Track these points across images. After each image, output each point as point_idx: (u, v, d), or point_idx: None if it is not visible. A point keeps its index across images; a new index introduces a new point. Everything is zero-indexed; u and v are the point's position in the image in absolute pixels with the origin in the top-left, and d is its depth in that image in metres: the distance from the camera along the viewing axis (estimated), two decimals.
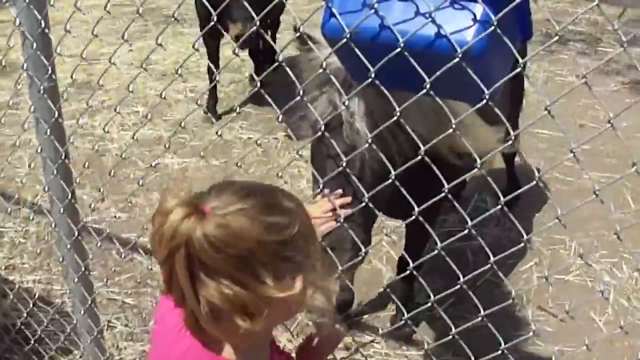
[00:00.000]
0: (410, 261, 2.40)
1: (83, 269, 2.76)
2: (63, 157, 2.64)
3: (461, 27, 1.83)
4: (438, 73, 1.82)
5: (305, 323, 3.99)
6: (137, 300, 4.26)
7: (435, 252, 2.11)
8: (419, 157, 2.00)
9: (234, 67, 7.71)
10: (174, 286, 1.52)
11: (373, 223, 3.86)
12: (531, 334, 2.35)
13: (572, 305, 4.15)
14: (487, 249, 2.00)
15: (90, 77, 7.34)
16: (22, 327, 3.50)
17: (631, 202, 5.16)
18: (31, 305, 3.37)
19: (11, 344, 3.63)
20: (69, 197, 2.68)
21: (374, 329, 4.01)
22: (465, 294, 2.25)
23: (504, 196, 1.99)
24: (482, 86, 1.81)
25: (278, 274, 1.53)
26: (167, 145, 5.77)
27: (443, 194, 2.01)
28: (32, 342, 3.44)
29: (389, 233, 2.32)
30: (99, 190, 4.93)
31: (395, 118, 2.02)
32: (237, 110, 6.74)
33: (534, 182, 1.86)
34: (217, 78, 6.41)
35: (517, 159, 5.32)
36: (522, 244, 1.95)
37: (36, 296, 3.60)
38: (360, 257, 2.50)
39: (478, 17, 1.82)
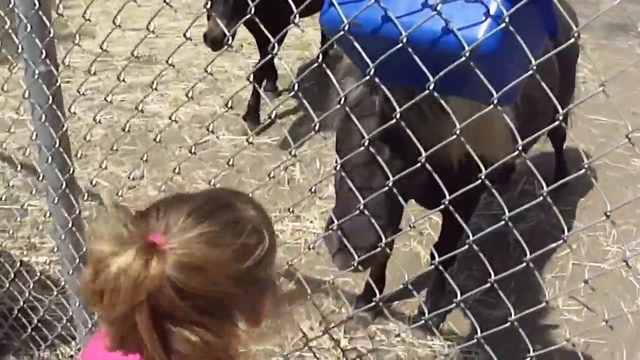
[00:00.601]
0: (436, 255, 2.24)
1: (77, 260, 2.60)
2: (58, 144, 2.47)
3: (472, 22, 1.61)
4: (442, 72, 1.61)
5: (330, 310, 3.82)
6: None
7: (467, 246, 1.90)
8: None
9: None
10: (129, 342, 1.25)
11: (400, 214, 3.68)
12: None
13: (601, 295, 3.91)
14: (524, 245, 1.79)
15: (152, 50, 7.05)
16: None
17: None
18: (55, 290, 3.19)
19: (17, 328, 3.50)
20: (63, 186, 2.52)
21: (402, 317, 3.81)
22: (497, 281, 1.95)
23: (553, 179, 1.78)
24: (490, 88, 1.59)
25: (248, 306, 1.32)
26: (207, 126, 5.31)
27: (478, 182, 1.73)
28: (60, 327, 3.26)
29: (413, 223, 2.03)
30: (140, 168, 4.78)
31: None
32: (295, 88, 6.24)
33: (583, 171, 1.57)
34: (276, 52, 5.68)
35: (566, 143, 5.04)
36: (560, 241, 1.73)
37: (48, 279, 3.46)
38: (383, 252, 2.24)
39: (492, 12, 1.59)
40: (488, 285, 1.90)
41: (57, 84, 2.42)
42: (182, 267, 1.18)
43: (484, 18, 1.60)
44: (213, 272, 1.21)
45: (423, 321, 2.21)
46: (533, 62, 1.50)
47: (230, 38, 2.19)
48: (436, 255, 2.19)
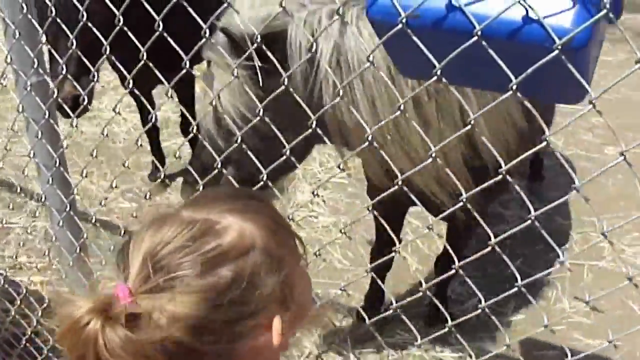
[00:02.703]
0: (456, 261, 1.81)
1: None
2: (58, 163, 2.10)
3: (554, 9, 1.28)
4: (529, 70, 1.28)
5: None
6: None
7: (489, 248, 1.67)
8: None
9: None
10: None
11: (403, 215, 3.39)
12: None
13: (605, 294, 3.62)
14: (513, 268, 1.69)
15: None
16: (33, 335, 2.96)
17: None
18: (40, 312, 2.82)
19: (23, 354, 3.09)
20: (67, 208, 2.14)
21: (405, 328, 3.49)
22: (500, 287, 1.89)
23: (530, 175, 1.51)
24: (586, 85, 1.29)
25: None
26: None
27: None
28: (45, 352, 2.89)
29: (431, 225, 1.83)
30: (108, 180, 4.40)
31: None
32: None
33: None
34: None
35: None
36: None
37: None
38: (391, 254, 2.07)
39: None
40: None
41: (55, 96, 2.05)
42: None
43: (570, 4, 1.27)
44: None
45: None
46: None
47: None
48: (456, 261, 1.83)
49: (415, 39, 1.34)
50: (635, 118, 5.12)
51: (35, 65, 2.00)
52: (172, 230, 1.08)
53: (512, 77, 1.31)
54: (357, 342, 3.43)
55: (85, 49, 2.05)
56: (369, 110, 2.18)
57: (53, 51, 2.24)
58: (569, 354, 1.63)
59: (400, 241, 3.44)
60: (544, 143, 1.45)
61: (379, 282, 2.82)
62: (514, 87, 1.32)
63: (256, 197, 1.30)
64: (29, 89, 2.04)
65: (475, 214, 1.69)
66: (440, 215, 1.94)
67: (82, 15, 1.80)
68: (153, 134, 4.63)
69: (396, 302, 2.22)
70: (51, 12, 1.93)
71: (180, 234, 1.07)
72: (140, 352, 1.00)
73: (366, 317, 2.28)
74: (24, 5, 1.94)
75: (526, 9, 1.27)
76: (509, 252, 3.84)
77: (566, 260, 3.88)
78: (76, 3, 1.85)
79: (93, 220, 2.15)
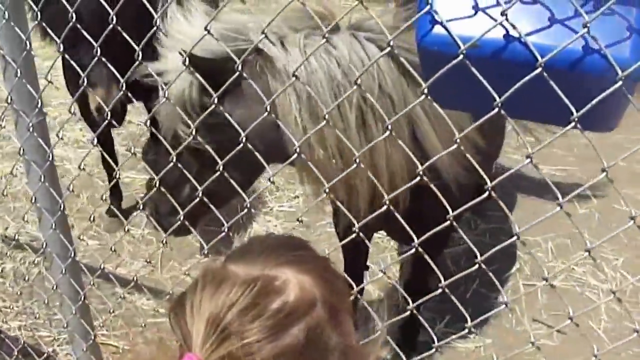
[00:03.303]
0: (410, 300, 1.89)
1: (92, 338, 2.10)
2: (62, 207, 1.98)
3: (612, 39, 1.30)
4: (591, 104, 1.29)
5: None
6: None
7: (440, 290, 1.75)
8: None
9: None
10: None
11: (370, 237, 3.36)
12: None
13: (566, 315, 3.71)
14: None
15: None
16: None
17: (593, 197, 4.74)
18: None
19: None
20: (72, 255, 2.02)
21: None
22: (459, 311, 1.88)
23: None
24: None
25: None
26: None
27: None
28: None
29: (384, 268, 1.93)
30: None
31: None
32: None
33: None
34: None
35: None
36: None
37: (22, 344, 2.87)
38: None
39: (634, 23, 1.30)
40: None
41: (60, 136, 1.95)
42: None
43: (627, 33, 1.30)
44: None
45: None
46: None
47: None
48: (410, 300, 1.90)
49: (474, 70, 1.33)
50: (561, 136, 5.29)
51: (39, 105, 1.90)
52: (233, 292, 1.03)
53: (574, 110, 1.31)
54: None
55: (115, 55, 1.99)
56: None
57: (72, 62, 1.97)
58: None
59: (367, 267, 3.43)
60: (486, 194, 1.55)
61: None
62: (576, 119, 1.32)
63: (304, 246, 1.24)
64: (31, 129, 1.92)
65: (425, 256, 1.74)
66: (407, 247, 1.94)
67: (113, 19, 1.72)
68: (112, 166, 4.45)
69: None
70: (72, 18, 1.80)
71: (243, 295, 1.02)
72: None
73: None
74: (26, 42, 1.83)
75: (586, 39, 1.29)
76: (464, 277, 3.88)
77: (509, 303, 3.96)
78: (106, 6, 1.76)
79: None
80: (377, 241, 4.28)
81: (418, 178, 1.64)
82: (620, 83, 1.25)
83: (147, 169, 4.77)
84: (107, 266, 2.15)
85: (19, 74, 1.86)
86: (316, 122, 2.06)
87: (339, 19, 1.92)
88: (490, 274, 1.74)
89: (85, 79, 1.85)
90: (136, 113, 5.23)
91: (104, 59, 1.79)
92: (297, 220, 2.06)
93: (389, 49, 1.57)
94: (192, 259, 4.17)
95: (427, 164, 1.66)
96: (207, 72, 1.89)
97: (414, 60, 1.55)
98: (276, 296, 1.03)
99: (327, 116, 1.73)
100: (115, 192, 4.54)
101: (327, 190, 1.81)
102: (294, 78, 1.79)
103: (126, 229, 2.25)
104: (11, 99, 1.93)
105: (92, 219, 2.35)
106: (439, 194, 1.62)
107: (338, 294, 1.15)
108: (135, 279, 2.06)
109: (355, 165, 1.73)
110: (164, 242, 2.05)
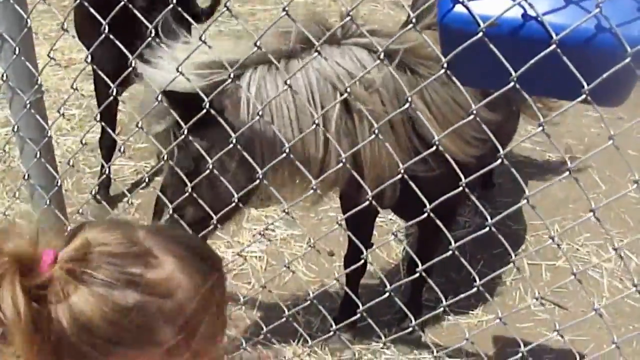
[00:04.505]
0: (419, 263, 2.08)
1: None
2: (59, 184, 1.99)
3: (622, 18, 1.34)
4: (605, 75, 1.32)
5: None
6: None
7: (450, 252, 1.91)
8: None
9: None
10: None
11: (373, 220, 3.42)
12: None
13: (568, 292, 3.81)
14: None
15: None
16: None
17: (600, 182, 4.78)
18: None
19: None
20: (68, 229, 2.03)
21: (382, 333, 3.52)
22: (464, 290, 2.07)
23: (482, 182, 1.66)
24: None
25: None
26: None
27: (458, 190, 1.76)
28: None
29: (396, 232, 2.17)
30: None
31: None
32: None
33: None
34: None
35: None
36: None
37: None
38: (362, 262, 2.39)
39: None
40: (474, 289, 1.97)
41: (61, 114, 1.95)
42: None
43: (637, 13, 1.33)
44: None
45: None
46: None
47: None
48: (419, 264, 2.08)
49: (492, 47, 1.36)
50: (570, 124, 5.36)
51: (38, 81, 1.90)
52: (117, 239, 1.12)
53: (585, 84, 1.35)
54: (335, 350, 3.44)
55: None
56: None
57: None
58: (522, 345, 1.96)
59: (372, 245, 3.48)
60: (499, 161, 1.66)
61: (348, 291, 2.82)
62: (587, 92, 1.36)
63: (211, 263, 1.26)
64: (28, 107, 1.92)
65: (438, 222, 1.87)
66: (411, 222, 2.03)
67: None
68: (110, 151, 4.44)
69: (364, 306, 2.29)
70: None
71: (120, 245, 1.11)
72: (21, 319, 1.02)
73: (332, 323, 2.45)
74: (27, 20, 1.83)
75: (598, 18, 1.31)
76: (469, 257, 3.93)
77: (517, 262, 4.01)
78: None
79: None
80: (381, 224, 4.30)
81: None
82: (628, 59, 1.29)
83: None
84: None
85: (17, 52, 1.86)
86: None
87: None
88: (500, 236, 1.85)
89: None
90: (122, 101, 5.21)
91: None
92: (284, 211, 2.17)
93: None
94: None
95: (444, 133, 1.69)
96: (183, 106, 2.09)
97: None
98: (141, 266, 1.11)
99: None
100: (104, 179, 4.53)
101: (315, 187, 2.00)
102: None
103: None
104: (6, 77, 1.93)
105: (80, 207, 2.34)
106: (452, 162, 1.73)
107: (207, 314, 1.17)
108: None
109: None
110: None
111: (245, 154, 2.07)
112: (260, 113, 2.00)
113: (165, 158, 2.15)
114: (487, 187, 4.68)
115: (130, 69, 1.90)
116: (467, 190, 1.73)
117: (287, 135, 2.21)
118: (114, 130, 4.33)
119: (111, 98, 2.01)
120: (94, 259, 1.08)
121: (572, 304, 3.75)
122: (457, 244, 1.86)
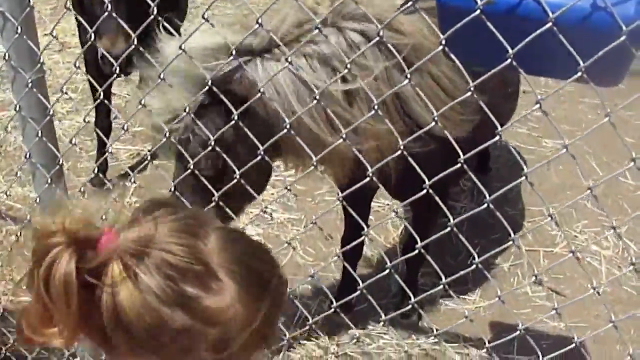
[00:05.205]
0: (418, 239, 2.07)
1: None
2: (61, 162, 2.03)
3: None
4: (601, 53, 1.36)
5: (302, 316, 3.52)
6: None
7: (448, 229, 1.94)
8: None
9: None
10: None
11: (370, 201, 3.46)
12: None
13: (566, 278, 3.86)
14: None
15: None
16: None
17: (597, 168, 4.82)
18: None
19: None
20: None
21: (379, 318, 3.56)
22: (460, 276, 2.11)
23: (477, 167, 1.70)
24: None
25: None
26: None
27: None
28: None
29: (396, 210, 2.14)
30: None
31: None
32: None
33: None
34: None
35: None
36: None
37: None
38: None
39: None
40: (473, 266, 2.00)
41: (64, 93, 1.98)
42: None
43: None
44: None
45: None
46: None
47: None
48: (419, 241, 2.08)
49: (489, 24, 1.39)
50: (567, 110, 5.39)
51: (40, 60, 1.93)
52: (181, 250, 1.04)
53: (581, 62, 1.38)
54: (333, 333, 3.49)
55: None
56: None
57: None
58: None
59: (368, 226, 3.52)
60: (497, 137, 1.70)
61: (348, 266, 2.89)
62: (582, 70, 1.39)
63: (267, 284, 1.16)
64: (29, 86, 1.95)
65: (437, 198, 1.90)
66: (406, 201, 2.05)
67: None
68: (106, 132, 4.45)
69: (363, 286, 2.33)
70: None
71: (183, 260, 1.03)
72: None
73: (333, 303, 2.45)
74: (29, 0, 1.86)
75: None
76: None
77: (517, 240, 4.04)
78: None
79: None
80: (378, 209, 4.34)
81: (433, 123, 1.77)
82: (623, 37, 1.32)
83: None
84: None
85: (19, 31, 1.89)
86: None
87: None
88: (498, 214, 1.89)
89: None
90: (118, 85, 5.28)
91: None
92: (286, 188, 2.23)
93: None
94: None
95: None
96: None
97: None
98: (200, 287, 1.05)
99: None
100: (101, 162, 4.55)
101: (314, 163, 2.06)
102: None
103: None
104: (8, 56, 1.96)
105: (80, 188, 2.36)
106: (452, 139, 1.76)
107: (260, 323, 1.11)
108: None
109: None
110: None
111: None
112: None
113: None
114: (483, 171, 4.71)
115: (133, 47, 1.91)
116: (465, 166, 1.75)
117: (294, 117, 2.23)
118: (109, 112, 4.36)
119: (114, 76, 2.03)
120: (151, 262, 1.01)
121: (570, 291, 3.79)
122: (456, 220, 1.90)
